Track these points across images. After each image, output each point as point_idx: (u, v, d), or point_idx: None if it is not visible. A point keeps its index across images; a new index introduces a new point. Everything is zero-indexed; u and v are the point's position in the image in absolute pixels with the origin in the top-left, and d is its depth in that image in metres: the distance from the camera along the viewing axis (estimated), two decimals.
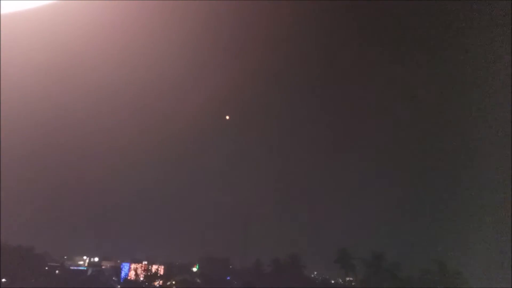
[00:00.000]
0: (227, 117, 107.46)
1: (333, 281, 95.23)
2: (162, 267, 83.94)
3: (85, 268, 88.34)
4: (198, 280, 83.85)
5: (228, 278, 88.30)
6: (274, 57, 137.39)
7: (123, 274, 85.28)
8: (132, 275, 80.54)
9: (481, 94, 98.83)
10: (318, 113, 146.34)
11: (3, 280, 56.70)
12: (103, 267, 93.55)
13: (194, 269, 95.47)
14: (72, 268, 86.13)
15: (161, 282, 77.10)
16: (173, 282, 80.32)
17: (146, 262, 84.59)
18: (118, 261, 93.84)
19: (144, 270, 77.95)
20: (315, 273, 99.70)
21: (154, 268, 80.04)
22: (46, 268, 71.71)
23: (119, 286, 78.54)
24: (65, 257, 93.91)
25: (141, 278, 75.55)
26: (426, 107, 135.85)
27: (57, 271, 74.76)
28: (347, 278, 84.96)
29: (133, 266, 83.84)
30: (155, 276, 77.98)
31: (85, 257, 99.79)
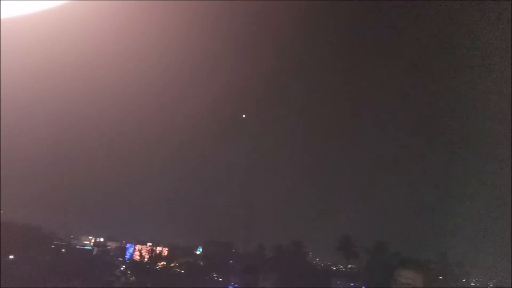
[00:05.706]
0: (244, 116, 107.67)
1: (334, 268, 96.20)
2: (166, 249, 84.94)
3: (90, 248, 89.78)
4: (201, 263, 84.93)
5: (231, 262, 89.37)
6: (289, 53, 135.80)
7: (128, 255, 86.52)
8: (136, 256, 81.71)
9: (482, 92, 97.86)
10: (328, 107, 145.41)
11: (11, 257, 57.84)
12: (108, 247, 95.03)
13: (197, 252, 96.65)
14: (78, 247, 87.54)
15: (165, 263, 78.13)
16: (177, 264, 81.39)
17: (150, 244, 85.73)
18: (124, 242, 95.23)
19: (148, 252, 78.87)
20: (317, 259, 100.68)
21: (158, 249, 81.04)
22: (53, 246, 72.84)
23: (124, 266, 79.78)
24: (71, 236, 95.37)
25: (146, 259, 76.53)
26: (426, 104, 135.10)
27: (63, 250, 76.01)
28: (349, 265, 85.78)
29: (137, 247, 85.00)
30: (159, 257, 78.95)
31: (90, 237, 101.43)
